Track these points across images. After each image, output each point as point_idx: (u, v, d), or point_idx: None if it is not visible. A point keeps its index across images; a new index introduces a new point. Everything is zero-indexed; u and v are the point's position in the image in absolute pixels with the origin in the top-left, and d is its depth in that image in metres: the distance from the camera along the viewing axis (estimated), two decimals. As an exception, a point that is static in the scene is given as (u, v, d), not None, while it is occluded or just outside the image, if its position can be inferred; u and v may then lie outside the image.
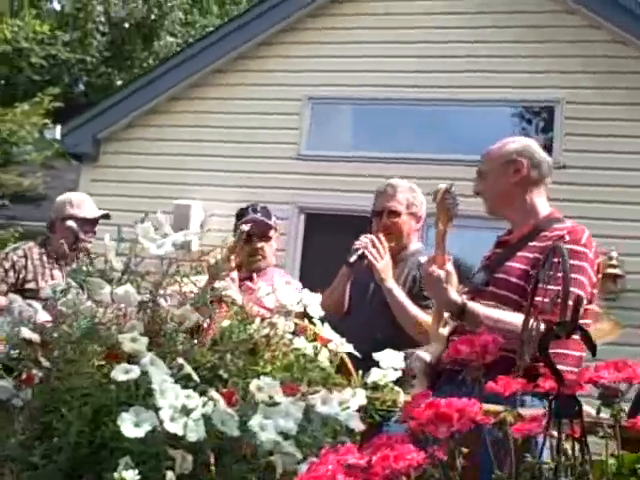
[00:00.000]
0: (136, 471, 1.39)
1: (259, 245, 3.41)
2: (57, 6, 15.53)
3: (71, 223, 3.58)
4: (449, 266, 2.54)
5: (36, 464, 1.54)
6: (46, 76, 13.47)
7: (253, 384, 1.52)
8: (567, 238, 2.47)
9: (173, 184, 6.85)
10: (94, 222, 3.70)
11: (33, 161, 10.91)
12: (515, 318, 2.40)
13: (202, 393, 1.54)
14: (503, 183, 2.65)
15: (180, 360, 1.56)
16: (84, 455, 1.52)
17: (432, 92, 6.57)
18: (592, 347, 1.24)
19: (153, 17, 15.18)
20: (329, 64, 6.84)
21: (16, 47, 11.91)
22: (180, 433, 1.41)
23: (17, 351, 1.79)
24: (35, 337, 1.76)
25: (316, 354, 1.76)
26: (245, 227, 3.09)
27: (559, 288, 2.38)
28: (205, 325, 1.77)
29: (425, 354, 2.70)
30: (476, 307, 2.47)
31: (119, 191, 7.00)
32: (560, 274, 2.30)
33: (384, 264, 3.16)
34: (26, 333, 1.75)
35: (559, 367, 2.35)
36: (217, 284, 1.74)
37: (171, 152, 7.01)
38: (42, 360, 1.72)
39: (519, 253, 2.57)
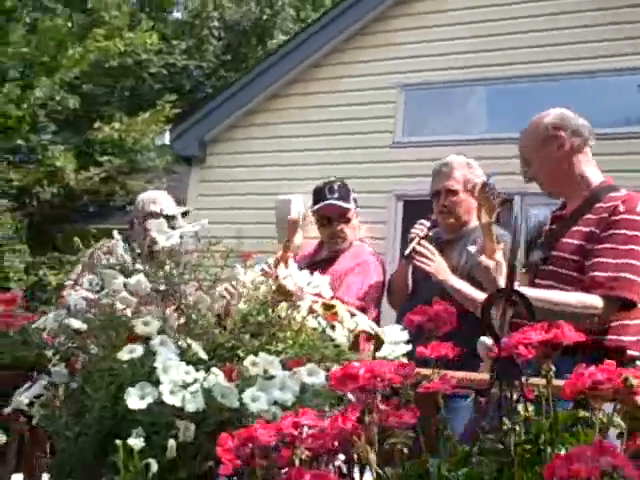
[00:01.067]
0: (142, 439, 1.57)
1: (338, 227, 3.44)
2: (177, 14, 16.26)
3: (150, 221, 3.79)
4: (499, 255, 2.54)
5: (71, 438, 1.75)
6: (168, 84, 14.13)
7: (248, 360, 1.67)
8: (621, 208, 2.43)
9: (275, 180, 7.09)
10: (173, 219, 3.88)
11: (156, 167, 11.52)
12: (558, 297, 2.40)
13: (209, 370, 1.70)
14: (550, 161, 2.58)
15: (189, 340, 1.73)
16: (108, 428, 1.72)
17: (521, 69, 6.47)
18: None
19: (265, 17, 15.57)
20: (419, 49, 6.87)
21: (136, 59, 12.60)
22: (178, 404, 1.58)
23: (68, 340, 2.02)
24: (83, 327, 1.98)
25: (323, 331, 1.88)
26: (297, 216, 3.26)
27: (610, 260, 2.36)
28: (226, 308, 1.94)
29: (488, 339, 2.74)
30: (527, 291, 2.45)
31: (226, 190, 7.35)
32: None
33: (436, 266, 3.11)
34: (75, 324, 1.97)
35: (622, 338, 2.34)
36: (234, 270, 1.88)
37: (272, 149, 7.26)
38: (89, 347, 1.94)
39: (574, 227, 2.52)
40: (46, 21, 11.24)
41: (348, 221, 3.48)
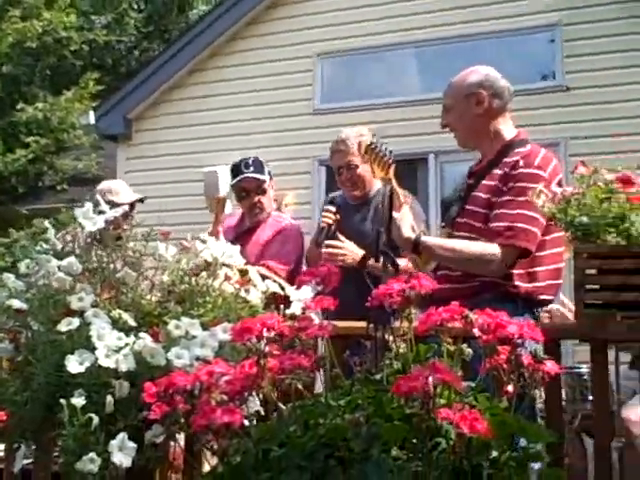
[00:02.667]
0: (83, 398, 1.83)
1: (255, 199, 3.74)
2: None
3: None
4: (405, 208, 2.79)
5: (20, 403, 2.01)
6: (91, 61, 14.03)
7: (171, 324, 1.94)
8: (521, 163, 2.59)
9: (201, 153, 7.26)
10: (131, 206, 4.07)
11: (83, 145, 11.53)
12: (462, 245, 2.67)
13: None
14: (468, 116, 2.74)
15: (119, 311, 1.99)
16: (54, 391, 1.97)
17: (427, 32, 6.79)
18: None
19: (185, -13, 15.53)
20: (332, 18, 7.11)
21: (56, 37, 12.50)
22: (112, 366, 1.85)
23: (10, 319, 2.25)
24: (24, 306, 2.21)
25: (237, 294, 2.16)
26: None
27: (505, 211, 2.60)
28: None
29: None
30: (428, 240, 2.66)
31: (153, 165, 7.52)
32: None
33: (349, 254, 3.35)
34: (17, 304, 2.20)
35: (533, 284, 2.59)
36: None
37: (196, 123, 7.43)
38: (30, 323, 2.18)
39: (483, 182, 2.69)
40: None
41: (264, 192, 3.78)
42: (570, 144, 6.26)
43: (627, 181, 2.06)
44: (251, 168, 3.78)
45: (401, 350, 1.60)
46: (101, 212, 2.07)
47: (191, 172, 7.18)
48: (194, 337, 1.93)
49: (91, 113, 7.86)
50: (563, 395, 3.99)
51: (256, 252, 3.70)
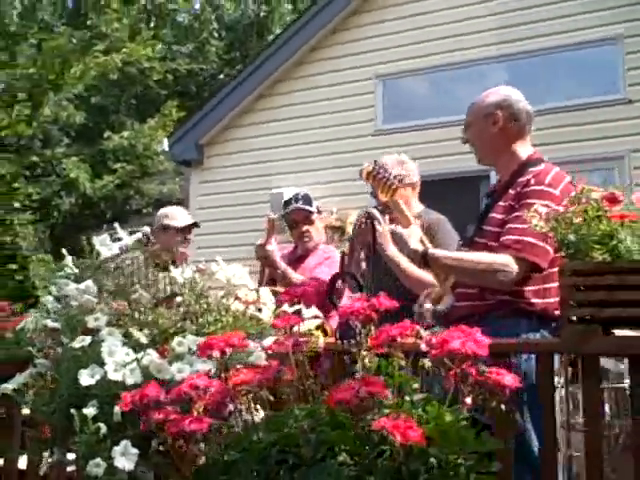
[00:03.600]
0: (95, 408, 2.01)
1: (304, 229, 4.02)
2: (180, 18, 16.70)
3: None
4: (413, 226, 2.89)
5: (48, 413, 2.21)
6: (174, 89, 14.61)
7: (175, 341, 2.10)
8: (532, 181, 2.64)
9: (268, 175, 7.53)
10: (187, 230, 4.35)
11: (167, 170, 12.02)
12: (471, 256, 2.74)
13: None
14: (485, 134, 2.82)
15: (131, 329, 2.17)
16: (74, 402, 2.16)
17: (487, 51, 6.82)
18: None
19: (263, 13, 15.96)
20: (392, 40, 7.24)
21: (140, 68, 13.09)
22: (120, 379, 2.02)
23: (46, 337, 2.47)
24: (57, 325, 2.43)
25: (243, 314, 2.31)
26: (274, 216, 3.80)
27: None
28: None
29: (429, 304, 3.12)
30: (436, 252, 2.76)
31: (224, 188, 7.81)
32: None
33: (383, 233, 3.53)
34: (50, 323, 2.42)
35: (545, 300, 2.67)
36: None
37: (263, 147, 7.69)
38: (63, 341, 2.39)
39: (500, 202, 2.74)
40: (50, 41, 11.78)
41: (312, 223, 4.05)
42: (633, 157, 6.18)
43: (613, 200, 2.10)
44: (300, 202, 4.04)
45: (368, 364, 1.70)
46: (118, 239, 2.25)
47: (259, 194, 7.46)
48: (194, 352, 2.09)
49: (165, 140, 8.23)
50: (607, 409, 3.98)
51: (306, 277, 3.94)
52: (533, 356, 2.31)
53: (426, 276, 2.97)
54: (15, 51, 11.97)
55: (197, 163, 8.00)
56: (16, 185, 10.67)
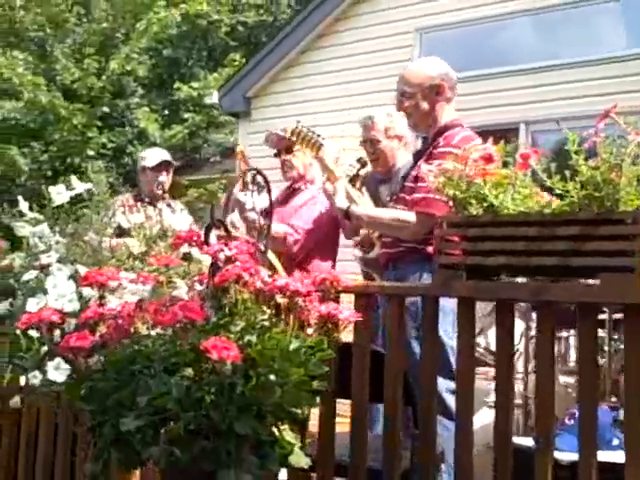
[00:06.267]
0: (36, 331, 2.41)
1: (284, 158, 4.08)
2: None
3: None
4: (339, 182, 3.19)
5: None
6: (244, 41, 14.95)
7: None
8: (441, 142, 2.98)
9: (312, 127, 7.78)
10: (160, 167, 4.71)
11: (232, 121, 12.42)
12: (382, 213, 3.04)
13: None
14: (427, 104, 3.11)
15: (77, 265, 2.55)
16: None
17: (520, 4, 6.83)
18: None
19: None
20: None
21: (209, 20, 13.47)
22: (59, 307, 2.41)
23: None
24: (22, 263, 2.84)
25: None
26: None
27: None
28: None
29: (357, 252, 3.44)
30: (357, 209, 3.09)
31: (271, 140, 8.14)
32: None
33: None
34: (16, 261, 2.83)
35: None
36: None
37: (306, 99, 7.96)
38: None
39: (419, 162, 3.07)
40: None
41: (291, 152, 4.04)
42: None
43: (489, 159, 2.33)
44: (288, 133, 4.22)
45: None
46: (72, 188, 2.62)
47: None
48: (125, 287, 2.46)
49: (214, 93, 8.59)
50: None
51: (290, 214, 4.13)
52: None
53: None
54: (90, 5, 12.56)
55: (245, 115, 8.35)
56: (90, 135, 11.34)
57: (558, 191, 2.00)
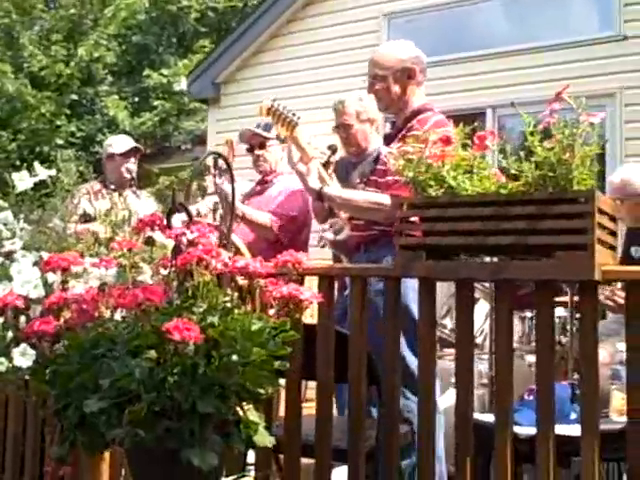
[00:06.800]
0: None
1: (257, 153, 4.29)
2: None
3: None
4: (312, 162, 3.22)
5: None
6: (214, 27, 14.86)
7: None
8: (415, 125, 3.05)
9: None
10: (128, 154, 4.72)
11: (202, 107, 12.37)
12: (356, 195, 3.06)
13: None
14: (398, 86, 3.19)
15: (42, 252, 2.56)
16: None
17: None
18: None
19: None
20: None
21: (179, 6, 13.40)
22: (24, 294, 2.42)
23: None
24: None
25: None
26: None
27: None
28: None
29: (329, 234, 3.47)
30: (331, 191, 3.13)
31: (239, 126, 8.10)
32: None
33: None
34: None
35: None
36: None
37: (277, 85, 7.94)
38: None
39: (391, 144, 3.06)
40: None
41: (264, 147, 4.27)
42: (626, 94, 6.23)
43: (446, 141, 2.36)
44: (259, 129, 4.30)
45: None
46: (35, 175, 2.62)
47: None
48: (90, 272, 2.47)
49: (183, 79, 8.57)
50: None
51: (267, 203, 4.24)
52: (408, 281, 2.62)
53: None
54: (57, -8, 12.47)
55: (214, 101, 8.33)
56: (58, 123, 11.25)
57: (513, 171, 2.04)
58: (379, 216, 2.95)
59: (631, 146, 6.15)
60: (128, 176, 4.65)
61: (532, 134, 2.06)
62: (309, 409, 2.59)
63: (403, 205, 2.34)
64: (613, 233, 2.10)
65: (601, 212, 1.98)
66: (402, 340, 2.84)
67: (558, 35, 6.62)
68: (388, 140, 3.23)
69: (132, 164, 4.70)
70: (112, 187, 4.70)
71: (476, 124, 2.58)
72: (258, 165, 4.32)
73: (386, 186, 2.96)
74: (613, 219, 2.11)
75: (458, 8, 7.22)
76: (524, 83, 6.47)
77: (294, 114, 3.15)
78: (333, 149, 4.04)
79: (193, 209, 3.64)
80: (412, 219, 2.33)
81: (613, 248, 2.11)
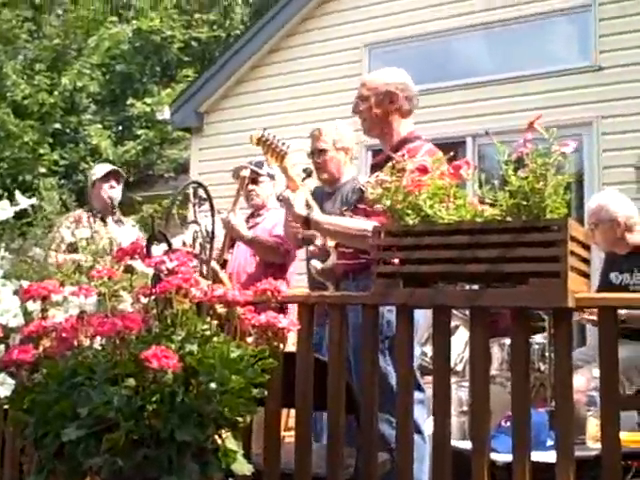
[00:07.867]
0: None
1: (250, 188, 4.46)
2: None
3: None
4: (300, 190, 3.24)
5: None
6: (201, 56, 14.96)
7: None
8: (406, 156, 3.08)
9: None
10: (108, 177, 4.71)
11: (185, 136, 12.43)
12: (345, 222, 3.07)
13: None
14: (380, 109, 3.19)
15: (22, 281, 2.56)
16: None
17: (467, 19, 7.01)
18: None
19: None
20: (379, 10, 7.46)
21: (162, 36, 13.49)
22: (4, 323, 2.42)
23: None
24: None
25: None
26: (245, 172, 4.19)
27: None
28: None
29: (317, 262, 3.48)
30: (318, 217, 3.13)
31: (223, 155, 8.17)
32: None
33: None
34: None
35: None
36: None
37: (259, 114, 8.02)
38: None
39: (377, 173, 2.95)
40: (72, 12, 12.24)
41: (256, 183, 4.47)
42: (603, 123, 6.34)
43: (424, 170, 2.40)
44: (252, 166, 4.48)
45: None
46: (16, 204, 2.63)
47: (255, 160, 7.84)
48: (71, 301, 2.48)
49: (166, 108, 8.62)
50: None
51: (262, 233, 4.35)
52: (393, 308, 2.63)
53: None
54: (41, 22, 12.49)
55: (197, 130, 8.38)
56: (41, 152, 11.25)
57: (488, 200, 2.08)
58: (366, 244, 2.95)
59: (608, 174, 6.24)
60: (108, 200, 4.66)
61: (506, 163, 2.10)
62: (292, 437, 2.59)
63: (381, 233, 2.37)
64: (586, 260, 2.14)
65: (574, 240, 2.02)
66: (390, 369, 2.88)
67: (537, 65, 6.73)
68: (375, 169, 3.23)
69: (113, 189, 4.71)
70: (99, 215, 4.70)
71: (452, 153, 2.61)
72: (251, 199, 4.52)
73: (376, 214, 2.97)
74: (586, 247, 2.15)
75: (438, 39, 7.33)
76: (504, 112, 6.57)
77: (284, 143, 3.20)
78: (308, 172, 4.09)
79: (179, 239, 3.69)
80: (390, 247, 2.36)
81: (586, 275, 2.15)
